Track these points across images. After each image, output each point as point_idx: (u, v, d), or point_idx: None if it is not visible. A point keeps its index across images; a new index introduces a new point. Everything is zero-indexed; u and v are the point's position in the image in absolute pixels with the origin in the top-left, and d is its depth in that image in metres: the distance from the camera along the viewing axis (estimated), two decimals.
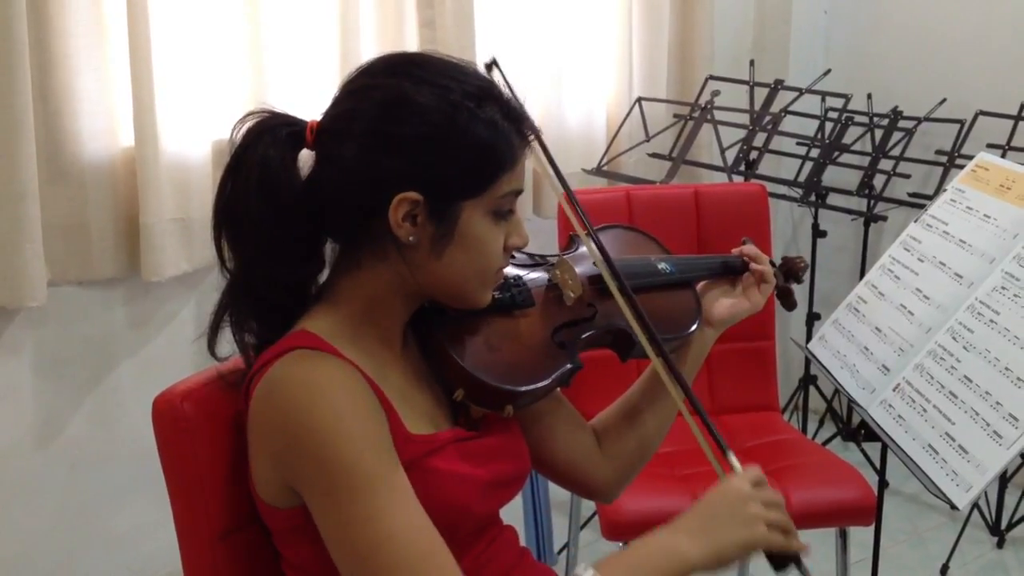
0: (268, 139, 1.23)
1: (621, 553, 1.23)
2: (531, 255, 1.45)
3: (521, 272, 1.41)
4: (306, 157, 1.26)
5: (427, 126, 1.20)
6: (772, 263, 1.61)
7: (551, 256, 1.47)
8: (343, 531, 1.15)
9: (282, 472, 1.19)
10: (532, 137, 1.28)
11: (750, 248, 1.58)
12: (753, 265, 1.55)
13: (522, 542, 1.44)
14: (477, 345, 1.31)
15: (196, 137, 2.50)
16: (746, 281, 1.56)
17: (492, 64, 1.33)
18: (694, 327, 1.51)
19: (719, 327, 1.55)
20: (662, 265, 1.52)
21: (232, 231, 1.25)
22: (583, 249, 1.47)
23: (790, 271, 1.66)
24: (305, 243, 1.26)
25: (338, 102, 1.25)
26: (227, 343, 1.29)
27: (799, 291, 1.72)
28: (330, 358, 1.20)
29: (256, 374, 1.22)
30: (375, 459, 1.16)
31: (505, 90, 1.26)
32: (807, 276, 3.45)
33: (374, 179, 1.20)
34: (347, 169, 1.21)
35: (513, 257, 1.36)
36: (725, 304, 1.55)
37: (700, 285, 1.58)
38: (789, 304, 1.67)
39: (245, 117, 1.25)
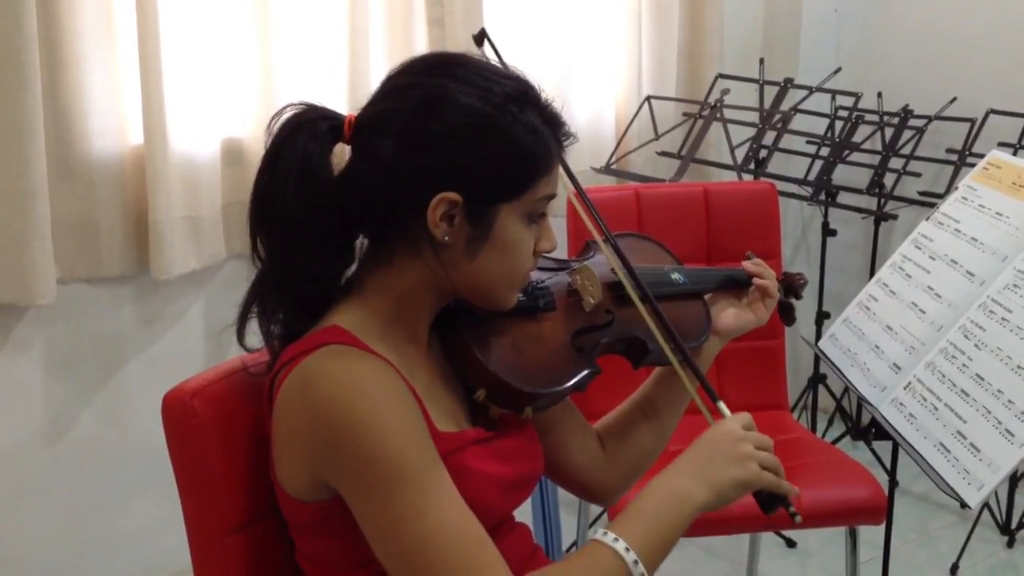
0: (308, 132, 1.23)
1: (632, 508, 1.24)
2: (549, 258, 1.45)
3: (542, 276, 1.42)
4: (338, 152, 1.26)
5: (469, 126, 1.20)
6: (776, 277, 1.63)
7: (566, 261, 1.48)
8: (390, 527, 1.15)
9: (317, 467, 1.18)
10: (570, 142, 1.29)
11: (753, 265, 1.60)
12: (756, 280, 1.58)
13: (534, 540, 1.43)
14: (501, 346, 1.32)
15: (205, 135, 2.50)
16: (751, 295, 1.59)
17: (482, 36, 1.34)
18: (705, 337, 1.54)
19: (725, 338, 1.58)
20: (675, 275, 1.55)
21: (268, 222, 1.25)
22: (599, 256, 1.49)
23: (790, 287, 1.69)
24: (339, 237, 1.27)
25: (378, 98, 1.26)
26: (252, 335, 1.29)
27: (808, 291, 1.73)
28: (365, 355, 1.20)
29: (284, 367, 1.22)
30: (418, 454, 1.16)
31: (502, 64, 1.27)
32: (816, 277, 3.47)
33: (412, 177, 1.21)
34: (384, 166, 1.21)
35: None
36: (731, 315, 1.58)
37: (708, 296, 1.60)
38: (789, 319, 1.70)
39: (283, 109, 1.26)
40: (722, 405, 1.35)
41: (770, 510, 1.29)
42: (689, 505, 1.23)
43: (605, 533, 1.20)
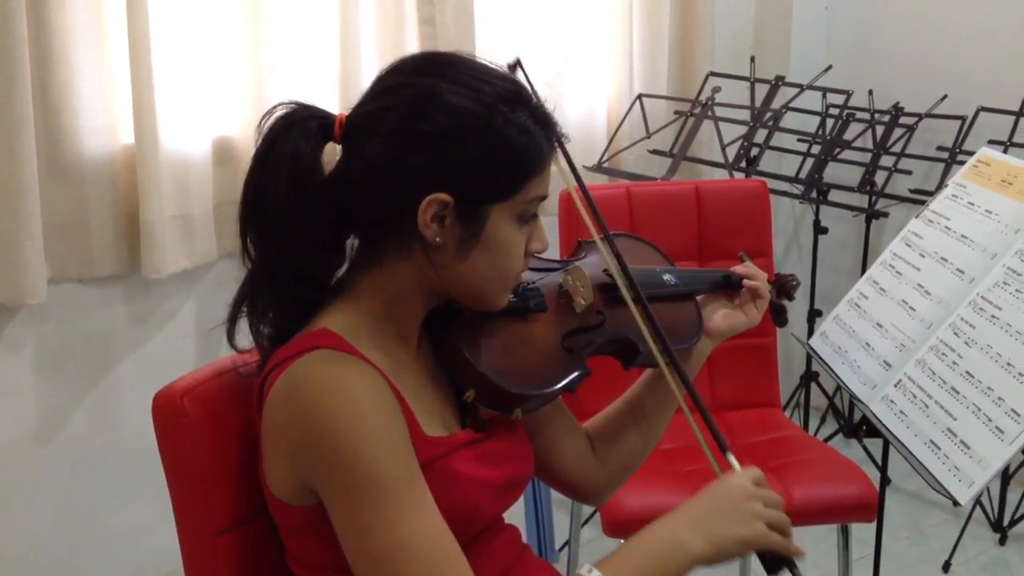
0: (298, 131, 1.22)
1: (623, 548, 1.23)
2: (541, 259, 1.45)
3: (533, 276, 1.41)
4: (329, 151, 1.26)
5: (460, 126, 1.19)
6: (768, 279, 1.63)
7: (558, 261, 1.47)
8: (361, 535, 1.15)
9: (300, 471, 1.18)
10: (561, 142, 1.29)
11: (744, 267, 1.60)
12: (747, 281, 1.58)
13: (524, 540, 1.43)
14: (491, 347, 1.31)
15: (196, 134, 2.49)
16: (743, 297, 1.59)
17: (516, 65, 1.33)
18: (696, 338, 1.53)
19: (716, 339, 1.57)
20: (667, 276, 1.54)
21: (258, 222, 1.24)
22: (591, 256, 1.48)
23: (782, 288, 1.68)
24: (329, 237, 1.26)
25: (369, 98, 1.25)
26: (242, 335, 1.29)
27: (800, 288, 1.73)
28: (354, 360, 1.19)
29: (274, 370, 1.21)
30: (397, 465, 1.15)
31: (533, 93, 1.26)
32: (807, 274, 3.48)
33: (402, 177, 1.20)
34: (375, 166, 1.21)
35: None
36: (722, 317, 1.57)
37: (700, 297, 1.60)
38: (781, 321, 1.70)
39: (273, 109, 1.25)
40: (732, 458, 1.32)
41: (774, 571, 1.25)
42: (683, 555, 1.21)
43: (590, 570, 1.19)
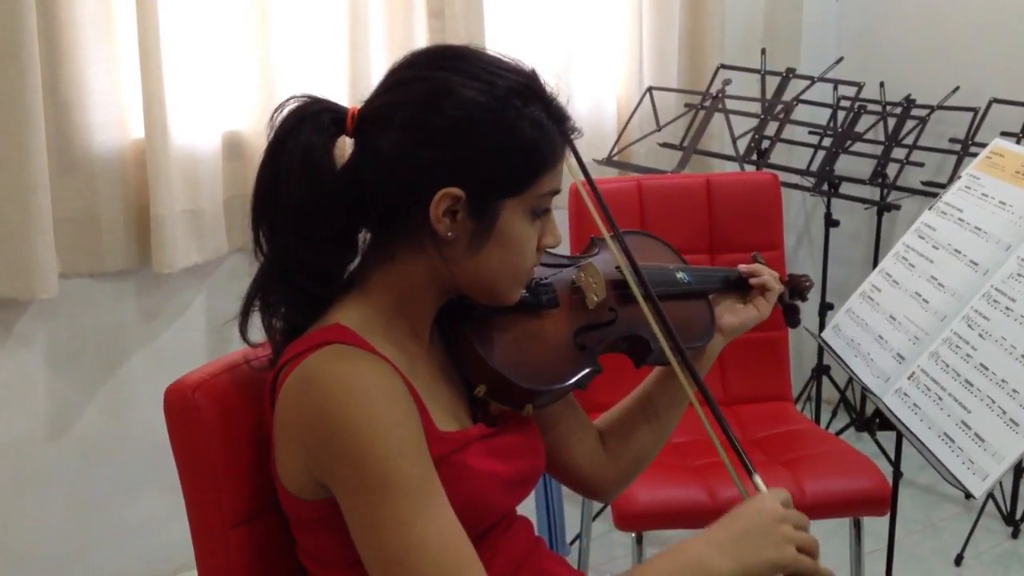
0: (311, 125, 1.22)
1: (648, 564, 1.22)
2: (553, 255, 1.44)
3: (546, 272, 1.40)
4: (341, 145, 1.25)
5: (472, 120, 1.19)
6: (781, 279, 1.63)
7: (571, 257, 1.47)
8: (374, 533, 1.14)
9: (313, 467, 1.18)
10: (575, 136, 1.28)
11: (751, 266, 1.59)
12: (752, 280, 1.57)
13: (536, 533, 1.43)
14: (503, 343, 1.31)
15: (206, 129, 2.49)
16: (753, 292, 1.58)
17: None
18: (708, 337, 1.53)
19: (729, 335, 1.57)
20: (680, 275, 1.54)
21: (270, 215, 1.24)
22: (604, 253, 1.48)
23: (795, 289, 1.68)
24: (342, 231, 1.26)
25: (382, 91, 1.25)
26: (254, 329, 1.28)
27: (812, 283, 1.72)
28: (368, 356, 1.19)
29: (287, 365, 1.21)
30: (411, 463, 1.15)
31: (549, 88, 1.26)
32: (819, 267, 3.47)
33: (415, 171, 1.20)
34: (387, 160, 1.20)
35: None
36: (733, 313, 1.57)
37: (712, 296, 1.59)
38: (793, 321, 1.69)
39: (286, 102, 1.24)
40: (759, 480, 1.30)
41: None
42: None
43: None
